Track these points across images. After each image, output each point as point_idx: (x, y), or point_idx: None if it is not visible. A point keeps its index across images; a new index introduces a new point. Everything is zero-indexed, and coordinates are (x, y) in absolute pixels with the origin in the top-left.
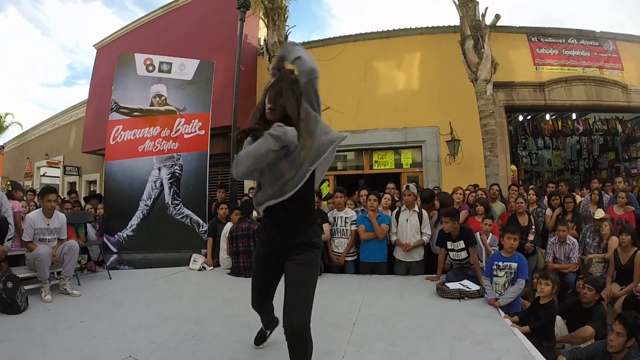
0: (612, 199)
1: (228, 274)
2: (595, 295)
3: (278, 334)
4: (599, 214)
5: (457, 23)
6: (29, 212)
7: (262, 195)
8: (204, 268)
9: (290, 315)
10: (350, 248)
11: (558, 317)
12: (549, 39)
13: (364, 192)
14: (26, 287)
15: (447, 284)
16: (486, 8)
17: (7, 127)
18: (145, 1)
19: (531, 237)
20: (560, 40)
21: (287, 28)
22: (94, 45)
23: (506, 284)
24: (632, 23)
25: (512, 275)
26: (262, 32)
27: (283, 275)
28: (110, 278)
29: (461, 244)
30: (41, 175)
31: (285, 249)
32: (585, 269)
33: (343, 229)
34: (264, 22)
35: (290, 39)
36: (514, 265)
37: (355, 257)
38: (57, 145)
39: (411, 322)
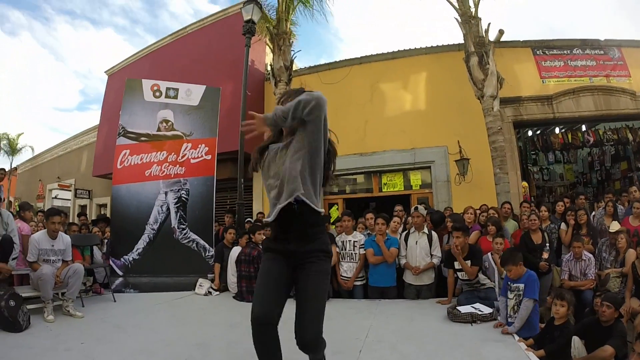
0: (627, 210)
1: (233, 297)
2: (615, 313)
3: None
4: (614, 226)
5: (461, 41)
6: None
7: (270, 207)
8: (210, 293)
9: (305, 331)
10: (359, 272)
11: (576, 338)
12: (554, 50)
13: (369, 215)
14: (29, 307)
15: (459, 308)
16: (489, 24)
17: (21, 149)
18: (156, 28)
19: (545, 256)
20: (565, 52)
21: (292, 52)
22: (105, 72)
23: (515, 307)
24: (636, 28)
25: (521, 297)
26: (269, 58)
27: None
28: (115, 301)
29: (469, 263)
30: (53, 198)
31: (298, 256)
32: (603, 285)
33: (352, 253)
34: (270, 48)
35: (297, 63)
36: (521, 286)
37: (364, 282)
38: (69, 168)
39: (420, 347)
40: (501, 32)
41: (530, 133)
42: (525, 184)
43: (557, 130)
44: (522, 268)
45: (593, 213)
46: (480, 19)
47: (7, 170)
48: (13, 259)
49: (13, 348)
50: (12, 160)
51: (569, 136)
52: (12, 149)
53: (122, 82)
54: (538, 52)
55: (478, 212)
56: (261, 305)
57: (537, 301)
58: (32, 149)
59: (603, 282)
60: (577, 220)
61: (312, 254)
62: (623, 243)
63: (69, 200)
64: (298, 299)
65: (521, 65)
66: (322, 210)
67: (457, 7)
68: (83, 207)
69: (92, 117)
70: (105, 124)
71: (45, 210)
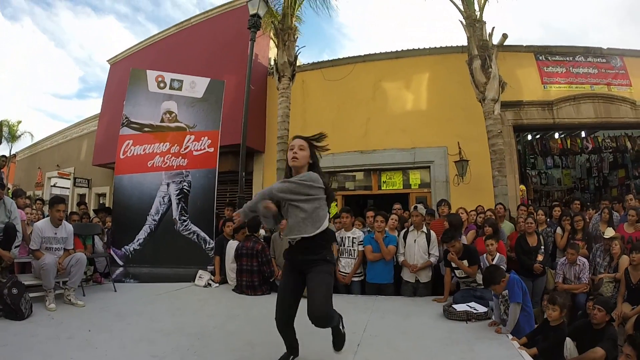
0: (623, 217)
1: (232, 290)
2: (606, 316)
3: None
4: (609, 232)
5: (465, 43)
6: (38, 220)
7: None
8: (210, 285)
9: (312, 309)
10: (357, 268)
11: (568, 339)
12: (557, 57)
13: (370, 213)
14: (31, 295)
15: (454, 306)
16: (493, 28)
17: (20, 136)
18: (158, 17)
19: (540, 258)
20: (567, 58)
21: (296, 48)
22: (107, 61)
23: (505, 311)
24: None
25: (507, 303)
26: (273, 52)
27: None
28: (115, 290)
29: (465, 263)
30: (51, 186)
31: (305, 263)
32: (596, 289)
33: (350, 249)
34: (274, 42)
35: (300, 58)
36: (505, 292)
37: (362, 278)
38: (69, 156)
39: (416, 343)
40: (505, 36)
41: (529, 137)
42: (523, 187)
43: (556, 135)
44: (504, 283)
45: (588, 218)
46: (484, 22)
47: (7, 157)
48: (16, 247)
49: (15, 335)
50: (12, 146)
51: (568, 142)
52: (12, 136)
53: (125, 72)
54: (540, 58)
55: (473, 213)
56: (281, 312)
57: (521, 303)
58: (32, 136)
59: (596, 286)
60: (574, 226)
61: (316, 262)
62: (617, 249)
63: (68, 188)
64: (308, 290)
65: (523, 70)
66: (314, 232)
67: (462, 10)
68: (82, 196)
69: (92, 105)
70: (107, 113)
71: (49, 198)
